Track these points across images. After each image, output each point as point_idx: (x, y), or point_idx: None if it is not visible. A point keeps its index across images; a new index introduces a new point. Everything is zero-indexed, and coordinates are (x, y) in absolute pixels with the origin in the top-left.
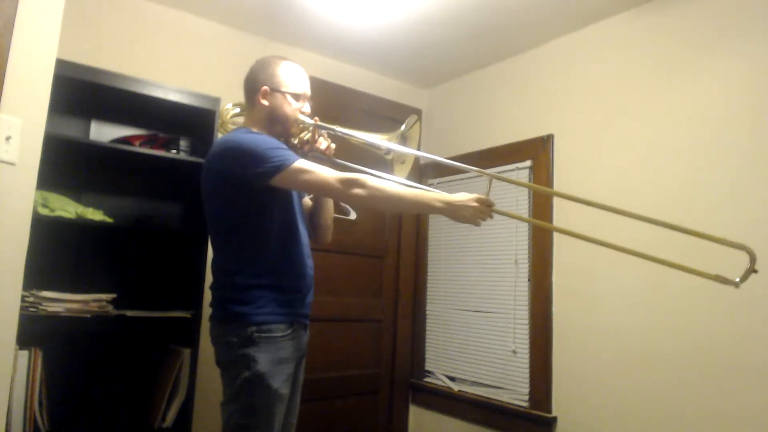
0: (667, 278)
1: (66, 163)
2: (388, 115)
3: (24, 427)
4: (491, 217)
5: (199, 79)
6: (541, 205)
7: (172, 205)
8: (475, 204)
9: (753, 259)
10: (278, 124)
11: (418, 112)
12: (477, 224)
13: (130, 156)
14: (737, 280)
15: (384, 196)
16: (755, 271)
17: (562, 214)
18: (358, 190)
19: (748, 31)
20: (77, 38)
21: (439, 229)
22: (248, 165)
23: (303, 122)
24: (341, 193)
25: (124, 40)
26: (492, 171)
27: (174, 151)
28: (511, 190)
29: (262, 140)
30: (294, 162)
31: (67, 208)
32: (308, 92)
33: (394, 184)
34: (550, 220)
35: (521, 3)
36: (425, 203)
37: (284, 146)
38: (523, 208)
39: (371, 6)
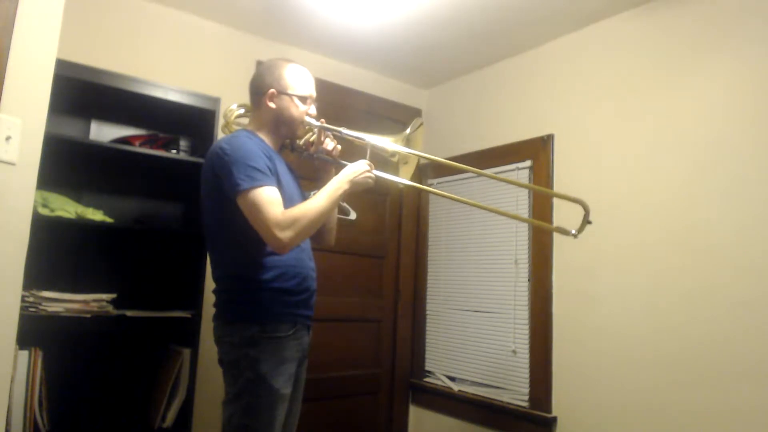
0: (667, 278)
1: (66, 163)
2: (388, 115)
3: (24, 427)
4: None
5: (199, 79)
6: (541, 203)
7: (172, 205)
8: (368, 167)
9: (587, 212)
10: (284, 126)
11: (418, 112)
12: (371, 185)
13: (130, 156)
14: (574, 231)
15: (310, 221)
16: (589, 222)
17: (562, 211)
18: (288, 233)
19: (749, 32)
20: (77, 38)
21: (439, 230)
22: (228, 174)
23: (309, 124)
24: (272, 240)
25: (124, 40)
26: (492, 171)
27: (174, 151)
28: (512, 189)
29: (248, 153)
30: (251, 187)
31: (67, 208)
32: (314, 94)
33: (309, 204)
34: (550, 217)
35: (521, 3)
36: (338, 195)
37: (263, 167)
38: (523, 207)
39: (371, 6)
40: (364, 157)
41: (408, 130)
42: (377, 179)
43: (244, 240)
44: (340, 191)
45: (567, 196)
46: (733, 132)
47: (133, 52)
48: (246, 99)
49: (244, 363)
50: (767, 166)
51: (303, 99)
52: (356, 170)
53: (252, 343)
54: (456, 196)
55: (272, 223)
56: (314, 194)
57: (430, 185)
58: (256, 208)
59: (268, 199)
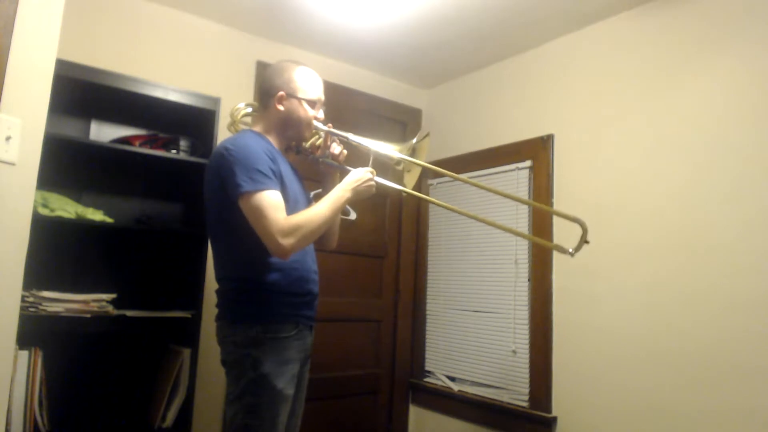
0: (667, 279)
1: (66, 163)
2: (388, 115)
3: (24, 427)
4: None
5: (199, 79)
6: (541, 211)
7: (172, 205)
8: (370, 175)
9: (585, 231)
10: (291, 129)
11: (418, 112)
12: (373, 193)
13: (130, 156)
14: (571, 250)
15: (312, 229)
16: (587, 242)
17: (562, 219)
18: (290, 240)
19: (748, 32)
20: (77, 38)
21: (439, 229)
22: (230, 175)
23: (317, 128)
24: (274, 246)
25: (124, 40)
26: (492, 171)
27: (174, 151)
28: (510, 189)
29: (252, 155)
30: (254, 191)
31: (67, 208)
32: (323, 98)
33: (312, 212)
34: (550, 225)
35: (521, 3)
36: (341, 204)
37: (266, 170)
38: (523, 215)
39: (371, 6)
40: (368, 163)
41: (414, 140)
42: (379, 186)
43: (247, 241)
44: (343, 199)
45: (566, 215)
46: (733, 132)
47: (133, 52)
48: (245, 99)
49: (247, 363)
50: (767, 166)
51: (312, 103)
52: (359, 178)
53: (255, 343)
54: (456, 208)
55: (275, 229)
56: (316, 194)
57: (429, 185)
58: (258, 212)
59: (270, 203)
